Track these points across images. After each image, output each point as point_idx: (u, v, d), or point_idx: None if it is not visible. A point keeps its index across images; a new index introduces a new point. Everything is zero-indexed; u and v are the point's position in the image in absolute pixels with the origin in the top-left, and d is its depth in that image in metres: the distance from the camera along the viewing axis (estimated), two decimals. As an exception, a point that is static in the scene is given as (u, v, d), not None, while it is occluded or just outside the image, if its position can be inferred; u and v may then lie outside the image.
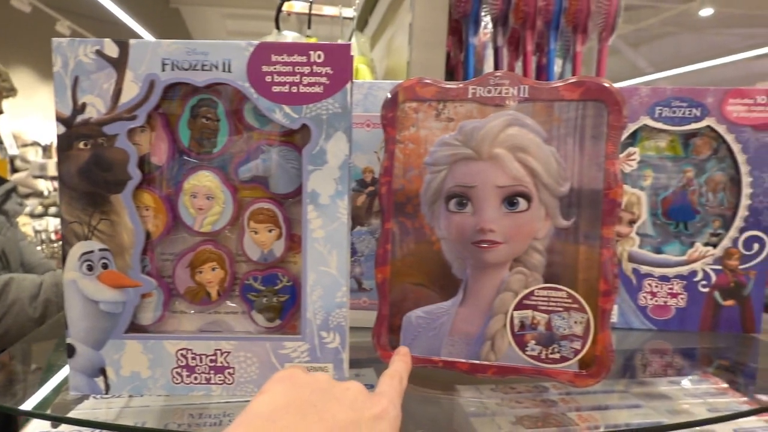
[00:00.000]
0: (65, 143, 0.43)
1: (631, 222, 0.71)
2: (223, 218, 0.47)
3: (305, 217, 0.45)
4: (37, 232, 4.31)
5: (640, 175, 0.71)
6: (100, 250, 0.45)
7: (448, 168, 0.53)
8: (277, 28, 1.39)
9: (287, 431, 0.30)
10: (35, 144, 4.84)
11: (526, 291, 0.52)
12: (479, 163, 0.52)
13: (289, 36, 1.36)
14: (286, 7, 1.53)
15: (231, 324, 0.49)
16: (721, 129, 0.68)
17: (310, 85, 0.44)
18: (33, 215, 4.30)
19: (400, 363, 0.45)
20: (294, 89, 0.44)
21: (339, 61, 0.44)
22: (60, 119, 0.43)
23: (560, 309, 0.51)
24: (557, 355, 0.51)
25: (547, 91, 0.51)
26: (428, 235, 0.54)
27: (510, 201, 0.51)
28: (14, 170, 4.48)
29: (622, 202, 0.50)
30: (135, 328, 0.47)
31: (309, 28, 1.51)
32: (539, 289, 0.51)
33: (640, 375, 0.66)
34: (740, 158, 0.69)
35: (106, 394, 0.47)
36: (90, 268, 0.45)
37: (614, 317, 0.72)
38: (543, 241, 0.51)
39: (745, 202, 0.69)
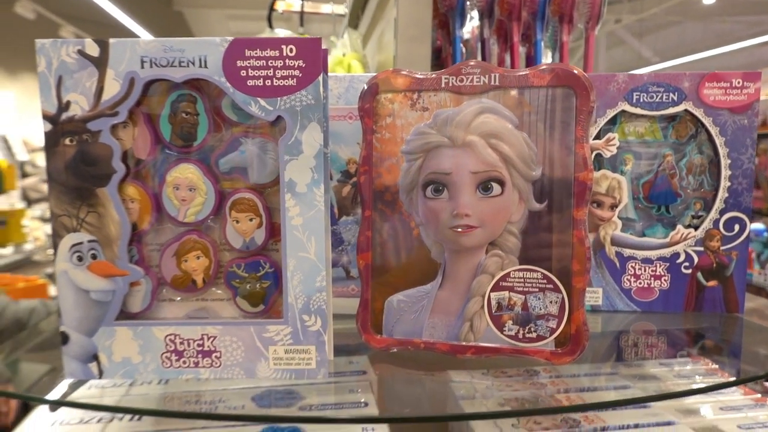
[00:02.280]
0: (52, 140, 0.46)
1: (613, 206, 0.72)
2: (205, 209, 0.49)
3: (283, 205, 0.47)
4: (48, 235, 4.37)
5: (621, 160, 0.73)
6: (89, 241, 0.47)
7: (424, 156, 0.54)
8: (270, 26, 1.41)
9: None
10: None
11: (502, 273, 0.53)
12: (454, 151, 0.53)
13: (281, 34, 1.38)
14: (284, 5, 1.55)
15: (217, 310, 0.51)
16: (698, 113, 0.69)
17: (283, 78, 0.46)
18: (43, 219, 4.36)
19: None
20: (268, 82, 0.46)
21: (311, 54, 0.45)
22: (46, 117, 0.45)
23: (536, 290, 0.53)
24: (534, 335, 0.53)
25: (517, 78, 0.52)
26: (407, 222, 0.56)
27: (484, 186, 0.53)
28: (24, 175, 4.54)
29: (592, 184, 0.52)
30: (125, 315, 0.49)
31: (301, 25, 1.53)
32: (515, 270, 0.53)
33: (627, 356, 0.68)
34: (718, 141, 0.70)
35: (100, 378, 0.49)
36: (80, 259, 0.47)
37: (599, 300, 0.73)
38: (517, 225, 0.53)
39: (724, 184, 0.70)
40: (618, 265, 0.73)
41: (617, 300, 0.73)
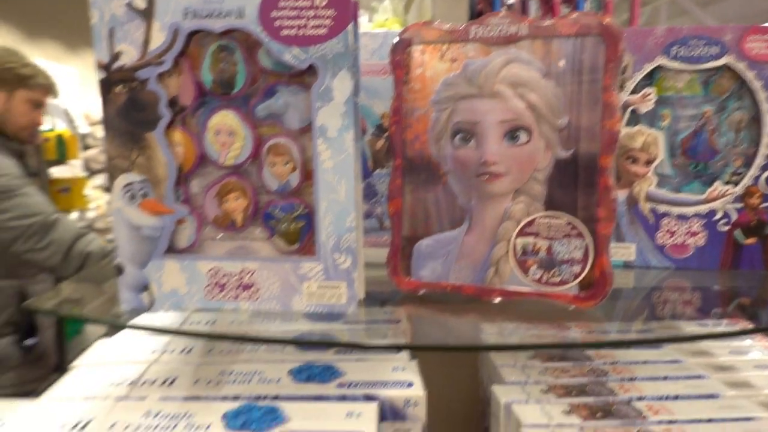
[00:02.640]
0: (106, 88, 0.50)
1: (648, 162, 0.72)
2: (244, 152, 0.52)
3: (315, 149, 0.50)
4: (109, 204, 4.58)
5: (658, 116, 0.72)
6: (140, 181, 0.51)
7: (453, 105, 0.56)
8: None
9: None
10: (104, 123, 5.09)
11: (528, 219, 0.55)
12: (482, 100, 0.55)
13: None
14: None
15: (255, 248, 0.54)
16: (740, 67, 0.68)
17: (315, 27, 0.48)
18: (105, 189, 4.58)
19: None
20: (301, 32, 0.48)
21: (341, 3, 0.48)
22: (100, 66, 0.49)
23: (560, 236, 0.54)
24: (558, 279, 0.55)
25: (545, 28, 0.53)
26: (436, 170, 0.58)
27: (511, 135, 0.54)
28: (86, 147, 4.76)
29: (619, 132, 0.52)
30: (172, 251, 0.54)
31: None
32: (540, 217, 0.55)
33: (660, 313, 0.68)
34: (761, 96, 0.68)
35: (151, 307, 0.54)
36: (132, 198, 0.52)
37: (632, 256, 0.74)
38: (543, 172, 0.54)
39: (766, 140, 0.69)
40: (652, 221, 0.73)
41: (650, 256, 0.73)
